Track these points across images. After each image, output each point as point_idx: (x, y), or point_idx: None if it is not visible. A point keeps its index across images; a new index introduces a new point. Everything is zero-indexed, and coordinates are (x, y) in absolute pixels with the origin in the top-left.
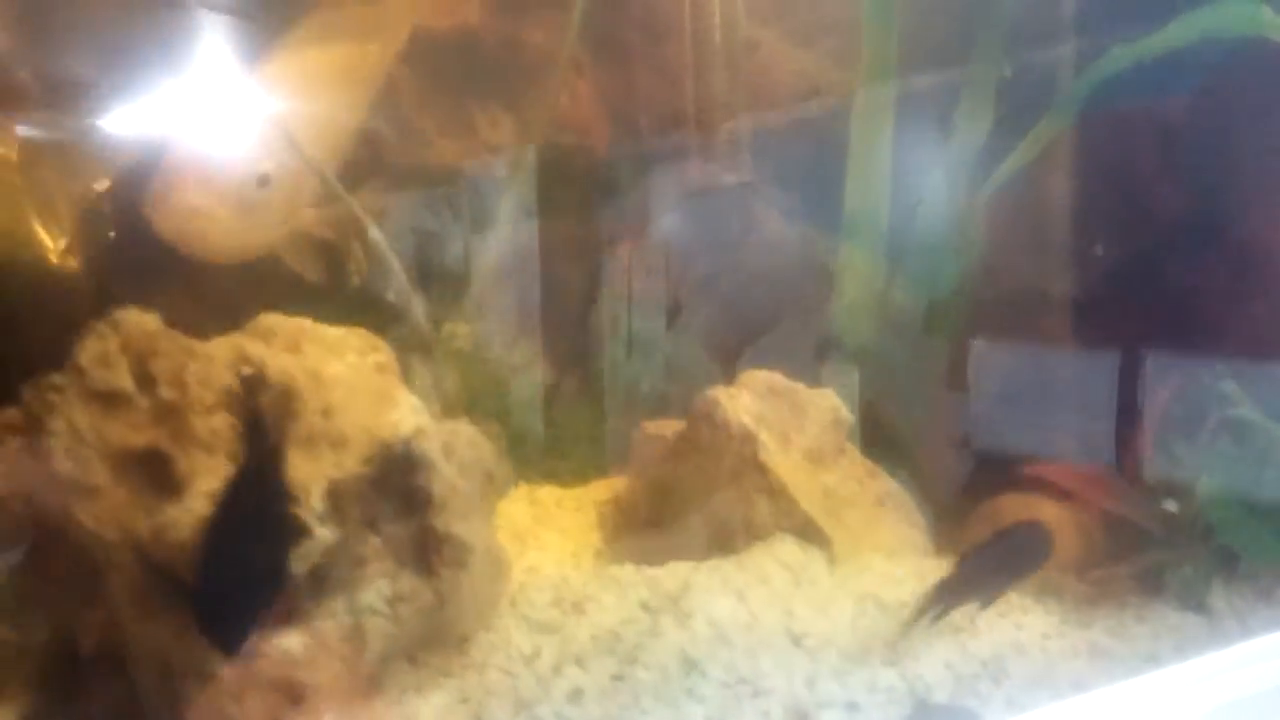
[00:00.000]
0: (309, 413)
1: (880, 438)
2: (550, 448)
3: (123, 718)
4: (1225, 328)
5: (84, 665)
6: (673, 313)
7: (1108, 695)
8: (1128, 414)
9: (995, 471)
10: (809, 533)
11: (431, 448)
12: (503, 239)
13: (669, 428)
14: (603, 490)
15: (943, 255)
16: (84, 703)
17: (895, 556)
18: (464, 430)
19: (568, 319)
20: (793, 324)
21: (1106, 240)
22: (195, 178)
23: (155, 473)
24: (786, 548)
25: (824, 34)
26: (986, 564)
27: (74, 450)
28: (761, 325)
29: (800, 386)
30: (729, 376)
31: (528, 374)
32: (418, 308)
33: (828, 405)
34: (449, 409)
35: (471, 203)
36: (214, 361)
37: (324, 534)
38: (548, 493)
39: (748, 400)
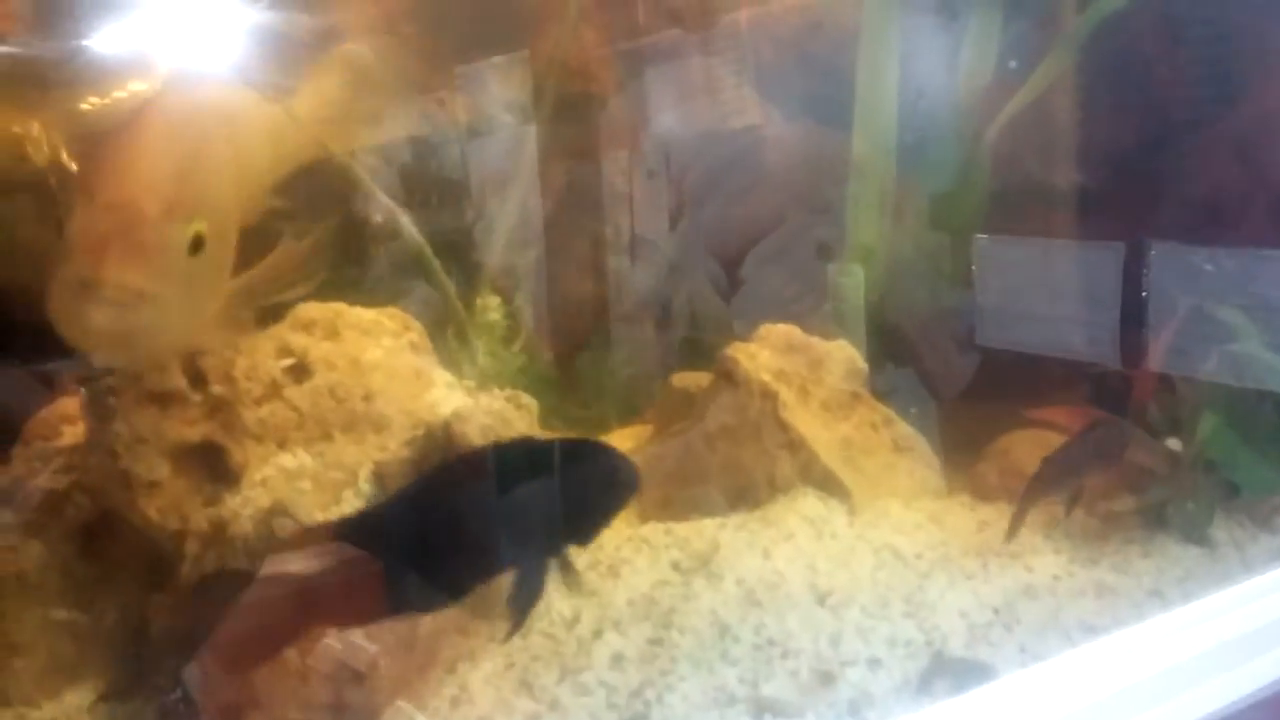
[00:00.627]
0: (352, 399)
1: (886, 339)
2: (572, 397)
3: (189, 697)
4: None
5: (153, 646)
6: (675, 216)
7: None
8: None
9: (1001, 372)
10: (829, 485)
11: (469, 430)
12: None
13: (694, 380)
14: (626, 439)
15: (950, 150)
16: (153, 681)
17: (912, 502)
18: (498, 405)
19: (580, 251)
20: (797, 224)
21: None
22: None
23: (212, 464)
24: (808, 501)
25: None
26: (1069, 463)
27: (135, 449)
28: (765, 226)
29: (816, 340)
30: (734, 281)
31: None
32: (450, 289)
33: (844, 356)
34: (483, 382)
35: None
36: (259, 355)
37: None
38: None
39: (767, 357)
